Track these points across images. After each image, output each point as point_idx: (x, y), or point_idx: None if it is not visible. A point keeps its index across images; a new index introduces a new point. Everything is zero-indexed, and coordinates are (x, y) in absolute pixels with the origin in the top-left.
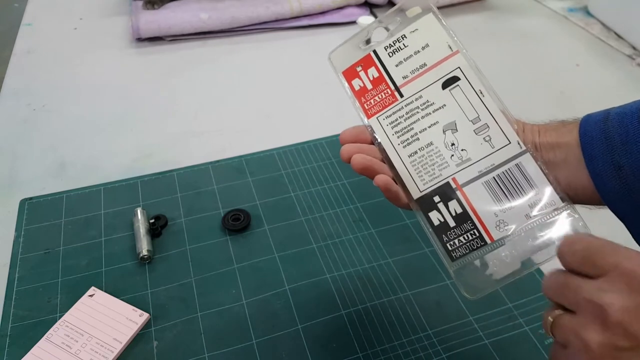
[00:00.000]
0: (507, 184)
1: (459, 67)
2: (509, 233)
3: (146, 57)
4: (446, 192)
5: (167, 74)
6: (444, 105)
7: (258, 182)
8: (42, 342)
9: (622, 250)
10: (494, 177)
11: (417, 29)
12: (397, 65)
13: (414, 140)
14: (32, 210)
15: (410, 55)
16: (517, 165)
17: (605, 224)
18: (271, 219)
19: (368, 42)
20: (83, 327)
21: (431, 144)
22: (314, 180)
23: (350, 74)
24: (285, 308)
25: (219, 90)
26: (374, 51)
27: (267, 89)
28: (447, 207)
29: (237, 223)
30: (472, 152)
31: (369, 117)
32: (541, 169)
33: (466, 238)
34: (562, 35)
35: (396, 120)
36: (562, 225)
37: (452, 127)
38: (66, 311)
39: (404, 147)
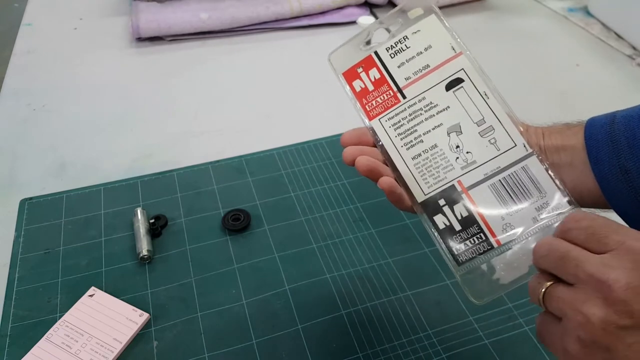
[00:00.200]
0: (514, 187)
1: (462, 69)
2: (516, 237)
3: (146, 57)
4: (451, 195)
5: (167, 74)
6: (448, 107)
7: (258, 182)
8: (42, 342)
9: (626, 229)
10: (500, 180)
11: (419, 30)
12: (399, 67)
13: (418, 143)
14: (32, 210)
15: (413, 57)
16: (523, 168)
17: None
18: (271, 219)
19: (368, 43)
20: (83, 327)
21: (435, 146)
22: (314, 180)
23: (350, 75)
24: (285, 308)
25: (219, 90)
26: (375, 52)
27: (267, 89)
28: (452, 210)
29: (237, 223)
30: (478, 155)
31: (370, 118)
32: (548, 171)
33: (472, 242)
34: (562, 35)
35: (399, 122)
36: None
37: (457, 129)
38: (66, 311)
39: (408, 149)
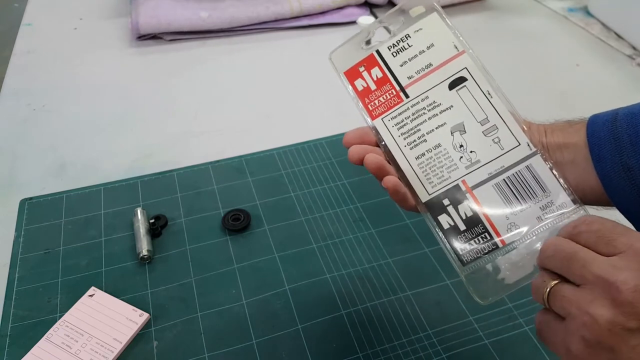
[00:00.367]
0: (518, 186)
1: (465, 68)
2: (521, 236)
3: (146, 57)
4: (456, 194)
5: (167, 74)
6: (451, 106)
7: (258, 182)
8: (42, 342)
9: (635, 233)
10: (504, 179)
11: (421, 29)
12: (401, 65)
13: (421, 142)
14: (32, 210)
15: (415, 55)
16: (527, 167)
17: None
18: (271, 219)
19: (369, 42)
20: (83, 327)
21: (439, 145)
22: (314, 180)
23: (352, 74)
24: (285, 308)
25: (219, 90)
26: (377, 51)
27: (267, 89)
28: (457, 210)
29: (237, 223)
30: (482, 154)
31: (373, 118)
32: (552, 170)
33: (477, 242)
34: (562, 35)
35: (402, 121)
36: None
37: (460, 129)
38: (66, 311)
39: (411, 148)
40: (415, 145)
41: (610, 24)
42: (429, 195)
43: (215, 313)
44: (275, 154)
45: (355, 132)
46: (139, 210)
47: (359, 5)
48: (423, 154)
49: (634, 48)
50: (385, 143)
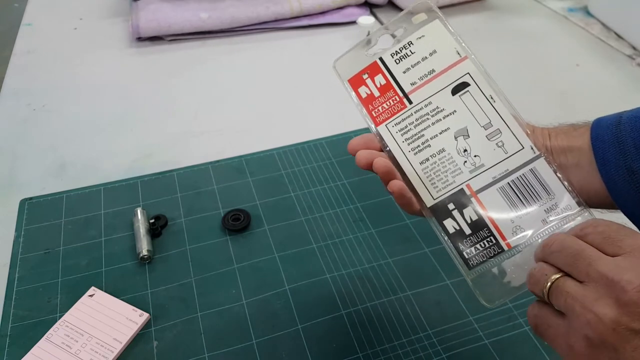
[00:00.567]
0: (522, 190)
1: (468, 73)
2: (526, 239)
3: (146, 57)
4: (461, 199)
5: (167, 74)
6: (455, 111)
7: (258, 182)
8: (42, 342)
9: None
10: (508, 183)
11: (423, 36)
12: (404, 72)
13: (425, 147)
14: (32, 210)
15: (418, 62)
16: (531, 170)
17: None
18: (271, 219)
19: (373, 49)
20: (83, 327)
21: (443, 150)
22: (314, 180)
23: (356, 81)
24: (285, 308)
25: (219, 90)
26: (380, 58)
27: (267, 89)
28: (462, 214)
29: (237, 223)
30: (486, 158)
31: (377, 124)
32: (556, 173)
33: (483, 245)
34: (562, 35)
35: (406, 127)
36: None
37: (464, 133)
38: (66, 311)
39: (415, 154)
40: (420, 151)
41: (610, 24)
42: (434, 199)
43: (215, 313)
44: (275, 154)
45: (360, 139)
46: (139, 210)
47: (359, 5)
48: (427, 159)
49: (634, 48)
50: (389, 149)
